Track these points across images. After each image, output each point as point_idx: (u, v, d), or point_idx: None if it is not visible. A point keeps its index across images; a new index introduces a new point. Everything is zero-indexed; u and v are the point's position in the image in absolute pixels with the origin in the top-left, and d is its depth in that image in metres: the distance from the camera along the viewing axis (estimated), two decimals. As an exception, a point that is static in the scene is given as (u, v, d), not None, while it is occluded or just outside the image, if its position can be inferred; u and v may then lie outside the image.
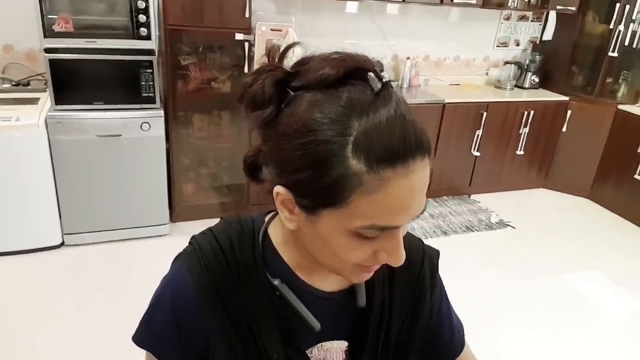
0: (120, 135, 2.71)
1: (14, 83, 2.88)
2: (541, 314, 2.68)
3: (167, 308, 0.67)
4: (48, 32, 2.47)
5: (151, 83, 2.71)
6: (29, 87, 2.90)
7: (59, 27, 2.48)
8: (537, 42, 4.28)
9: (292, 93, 0.57)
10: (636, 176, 3.67)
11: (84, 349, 2.16)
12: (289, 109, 0.56)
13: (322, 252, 0.61)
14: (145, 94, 2.72)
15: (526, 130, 3.94)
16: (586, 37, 4.07)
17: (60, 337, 2.22)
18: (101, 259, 2.80)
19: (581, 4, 3.86)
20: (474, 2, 3.57)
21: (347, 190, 0.52)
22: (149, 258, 2.82)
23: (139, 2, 2.54)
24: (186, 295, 0.66)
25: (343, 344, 0.73)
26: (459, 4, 3.68)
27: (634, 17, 3.69)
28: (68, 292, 2.51)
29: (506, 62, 4.23)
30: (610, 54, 3.82)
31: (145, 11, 2.58)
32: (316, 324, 0.67)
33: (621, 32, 3.74)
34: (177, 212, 3.18)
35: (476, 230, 3.52)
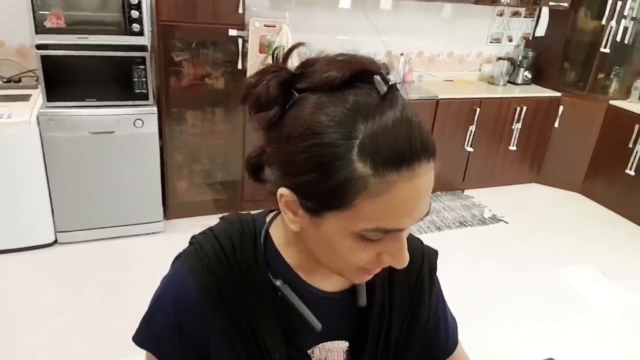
0: (113, 132, 2.69)
1: (5, 80, 2.85)
2: (533, 308, 2.71)
3: (167, 308, 0.66)
4: (39, 28, 2.44)
5: (144, 79, 2.69)
6: (21, 83, 2.88)
7: (50, 23, 2.46)
8: (530, 38, 4.30)
9: (297, 95, 0.57)
10: (627, 171, 3.71)
11: (78, 348, 2.16)
12: (294, 110, 0.56)
13: (325, 253, 0.61)
14: (138, 91, 2.70)
15: (519, 125, 3.96)
16: (578, 33, 4.09)
17: (53, 336, 2.21)
18: (94, 257, 2.78)
19: (573, 0, 3.88)
20: (467, -2, 3.58)
21: (352, 194, 0.52)
22: (142, 255, 2.81)
23: (131, -3, 2.53)
24: (187, 296, 0.65)
25: (344, 344, 0.73)
26: (452, 0, 3.68)
27: (625, 13, 3.72)
28: (61, 291, 2.50)
29: (499, 58, 4.25)
30: (602, 49, 3.84)
31: (138, 7, 2.56)
32: (317, 324, 0.67)
33: (613, 28, 3.76)
34: (170, 209, 3.17)
35: (469, 225, 3.54)
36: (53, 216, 2.76)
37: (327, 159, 0.52)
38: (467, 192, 4.06)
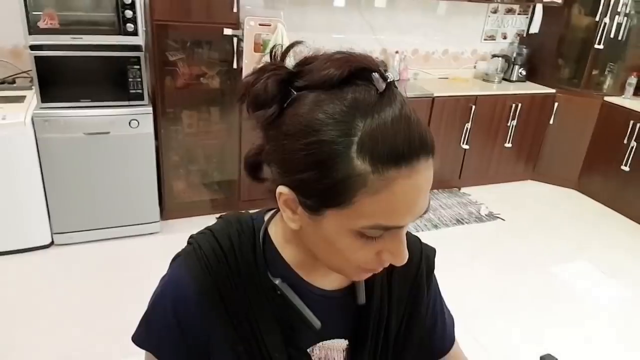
0: (108, 132, 2.69)
1: (-2, 81, 2.84)
2: (530, 305, 2.72)
3: (167, 308, 0.66)
4: (33, 29, 2.43)
5: (139, 79, 2.68)
6: (15, 85, 2.86)
7: (44, 23, 2.45)
8: (524, 35, 4.31)
9: (295, 93, 0.57)
10: (623, 167, 3.73)
11: (75, 349, 2.15)
12: (293, 108, 0.56)
13: (324, 251, 0.61)
14: (133, 91, 2.69)
15: (514, 122, 3.97)
16: (572, 30, 4.10)
17: (50, 337, 2.20)
18: (91, 258, 2.77)
19: (567, -4, 3.89)
20: (462, -5, 3.59)
21: (352, 191, 0.52)
22: (139, 256, 2.81)
23: (125, -3, 2.52)
24: (186, 295, 0.65)
25: (343, 343, 0.73)
26: (446, -2, 3.70)
27: (619, 10, 3.73)
28: (58, 292, 2.49)
29: (494, 56, 4.25)
30: (596, 46, 3.86)
31: (132, 6, 2.55)
32: (317, 323, 0.67)
33: (607, 25, 3.77)
34: (167, 209, 3.17)
35: (466, 222, 3.55)
36: (49, 218, 2.75)
37: (326, 157, 0.52)
38: (463, 189, 4.07)
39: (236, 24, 2.86)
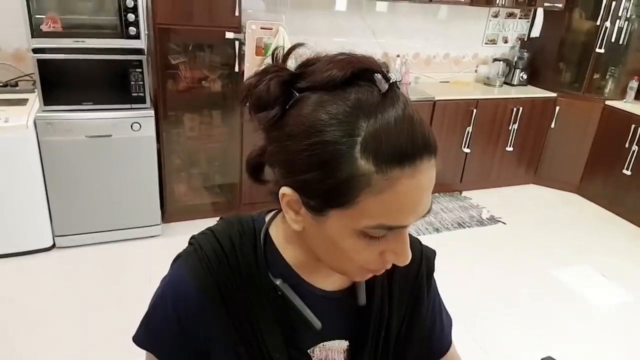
0: (110, 135, 2.69)
1: (1, 84, 2.84)
2: (532, 308, 2.71)
3: (168, 308, 0.66)
4: (36, 32, 2.44)
5: (141, 83, 2.69)
6: (17, 88, 2.87)
7: (47, 26, 2.46)
8: (525, 39, 4.32)
9: (298, 94, 0.57)
10: (624, 171, 3.72)
11: (77, 352, 2.15)
12: (295, 110, 0.56)
13: (327, 252, 0.61)
14: (135, 94, 2.70)
15: (515, 126, 3.97)
16: (573, 34, 4.11)
17: (52, 340, 2.20)
18: (93, 261, 2.78)
19: (568, 1, 3.89)
20: (463, -1, 3.60)
21: (356, 191, 0.52)
22: (141, 259, 2.81)
23: (127, 0, 2.52)
24: (187, 296, 0.65)
25: (344, 344, 0.73)
26: (447, 2, 3.70)
27: (620, 14, 3.74)
28: (60, 295, 2.50)
29: (495, 59, 4.26)
30: (597, 50, 3.86)
31: (134, 10, 2.56)
32: (317, 324, 0.67)
33: (608, 29, 3.78)
34: (169, 212, 3.17)
35: (467, 226, 3.55)
36: (51, 220, 2.76)
37: (329, 157, 0.52)
38: (465, 193, 4.07)
39: (238, 28, 2.87)
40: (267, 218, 0.71)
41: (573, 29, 4.09)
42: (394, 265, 0.61)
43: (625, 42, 3.83)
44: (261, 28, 2.92)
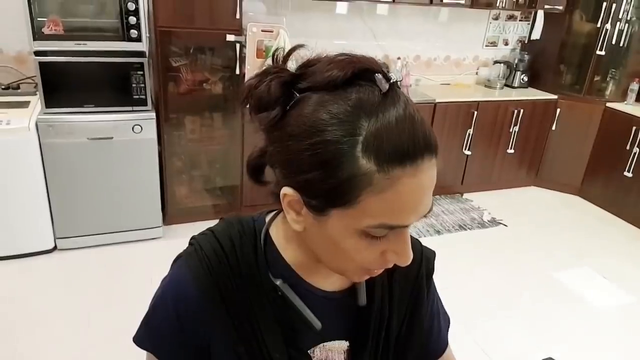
0: (111, 137, 2.70)
1: (3, 87, 2.85)
2: (533, 310, 2.71)
3: (168, 308, 0.66)
4: (38, 35, 2.45)
5: (142, 85, 2.70)
6: (19, 90, 2.88)
7: (48, 29, 2.46)
8: (526, 42, 4.32)
9: (298, 95, 0.57)
10: (625, 173, 3.72)
11: (78, 354, 2.15)
12: (296, 110, 0.56)
13: (328, 252, 0.61)
14: (137, 96, 2.71)
15: (516, 128, 3.97)
16: (574, 36, 4.11)
17: (53, 342, 2.20)
18: (94, 263, 2.78)
19: (568, 3, 3.90)
20: (463, 2, 3.60)
21: (357, 190, 0.52)
22: (142, 261, 2.81)
23: (129, 3, 2.54)
24: (187, 296, 0.65)
25: (344, 344, 0.73)
26: (448, 4, 3.70)
27: (620, 16, 3.74)
28: (61, 297, 2.50)
29: (495, 62, 4.27)
30: (597, 52, 3.87)
31: (136, 13, 2.57)
32: (317, 324, 0.67)
33: (608, 31, 3.78)
34: (170, 214, 3.17)
35: (469, 228, 3.55)
36: (52, 222, 2.76)
37: (331, 156, 0.52)
38: (466, 195, 4.07)
39: (239, 30, 2.88)
40: (268, 218, 0.71)
41: (573, 31, 4.09)
42: (394, 266, 0.61)
43: (625, 44, 3.83)
44: (262, 31, 2.92)
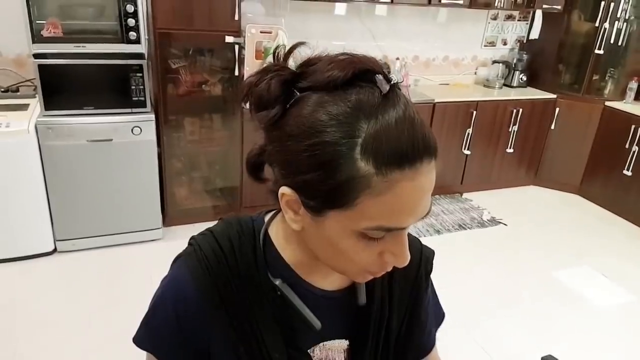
0: (111, 139, 2.70)
1: (2, 89, 2.86)
2: (533, 309, 2.71)
3: (167, 309, 0.67)
4: (37, 38, 2.45)
5: (141, 87, 2.70)
6: (18, 93, 2.88)
7: (47, 32, 2.47)
8: (524, 41, 4.33)
9: (298, 94, 0.57)
10: (625, 172, 3.72)
11: (78, 356, 2.15)
12: (296, 109, 0.56)
13: (327, 252, 0.61)
14: (136, 98, 2.71)
15: (515, 128, 3.98)
16: (572, 36, 4.12)
17: (53, 343, 2.20)
18: (94, 265, 2.78)
19: (567, 2, 3.91)
20: (461, 2, 3.60)
21: (355, 192, 0.52)
22: (142, 263, 2.81)
23: (127, 6, 2.54)
24: (187, 296, 0.65)
25: (344, 343, 0.73)
26: (446, 5, 3.71)
27: (618, 15, 3.75)
28: (61, 299, 2.50)
29: (494, 62, 4.27)
30: (596, 51, 3.87)
31: (135, 15, 2.57)
32: (317, 323, 0.67)
33: (606, 30, 3.79)
34: (169, 216, 3.18)
35: (468, 228, 3.55)
36: (52, 224, 2.76)
37: (329, 158, 0.52)
38: (465, 195, 4.07)
39: (238, 32, 2.88)
40: (267, 218, 0.71)
41: (572, 31, 4.10)
42: (393, 267, 0.61)
43: (624, 43, 3.84)
44: (261, 32, 2.93)
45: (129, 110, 2.72)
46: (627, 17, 3.77)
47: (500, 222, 3.66)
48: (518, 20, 4.28)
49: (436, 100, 3.63)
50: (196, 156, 3.30)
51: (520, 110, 3.93)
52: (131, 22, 2.57)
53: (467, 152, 3.88)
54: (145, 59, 2.68)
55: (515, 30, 4.32)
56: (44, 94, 2.54)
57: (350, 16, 3.67)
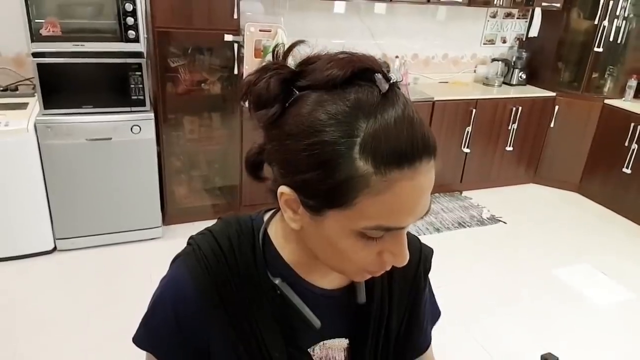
0: (110, 138, 2.70)
1: (2, 89, 2.85)
2: (532, 307, 2.71)
3: (167, 308, 0.66)
4: (35, 37, 2.45)
5: (140, 86, 2.70)
6: (17, 92, 2.88)
7: (46, 31, 2.46)
8: (523, 39, 4.32)
9: (298, 92, 0.57)
10: (624, 169, 3.73)
11: (78, 355, 2.15)
12: (295, 108, 0.56)
13: (325, 251, 0.61)
14: (135, 97, 2.71)
15: (515, 126, 3.98)
16: (571, 33, 4.11)
17: (53, 343, 2.20)
18: (94, 264, 2.78)
19: (566, 0, 3.90)
20: (461, 0, 3.60)
21: (354, 192, 0.52)
22: (142, 261, 2.81)
23: (126, 4, 2.54)
24: (186, 296, 0.65)
25: (344, 342, 0.73)
26: (445, 3, 3.71)
27: (618, 13, 3.75)
28: (61, 297, 2.50)
29: (493, 60, 4.27)
30: (595, 49, 3.87)
31: (133, 14, 2.57)
32: (316, 322, 0.67)
33: (606, 28, 3.79)
34: (169, 214, 3.18)
35: (468, 226, 3.55)
36: (52, 223, 2.76)
37: (328, 157, 0.52)
38: (465, 193, 4.07)
39: (237, 30, 2.88)
40: (266, 217, 0.71)
41: (571, 29, 4.10)
42: (392, 266, 0.61)
43: (623, 41, 3.84)
44: (260, 30, 2.92)
45: (128, 109, 2.72)
46: (626, 15, 3.77)
47: (500, 220, 3.67)
48: (517, 18, 4.28)
49: (435, 99, 3.63)
50: (195, 155, 3.30)
51: (520, 108, 3.93)
52: (130, 20, 2.57)
53: (466, 150, 3.88)
54: (144, 57, 2.67)
55: (514, 28, 4.31)
56: (43, 93, 2.54)
57: (350, 14, 3.67)
